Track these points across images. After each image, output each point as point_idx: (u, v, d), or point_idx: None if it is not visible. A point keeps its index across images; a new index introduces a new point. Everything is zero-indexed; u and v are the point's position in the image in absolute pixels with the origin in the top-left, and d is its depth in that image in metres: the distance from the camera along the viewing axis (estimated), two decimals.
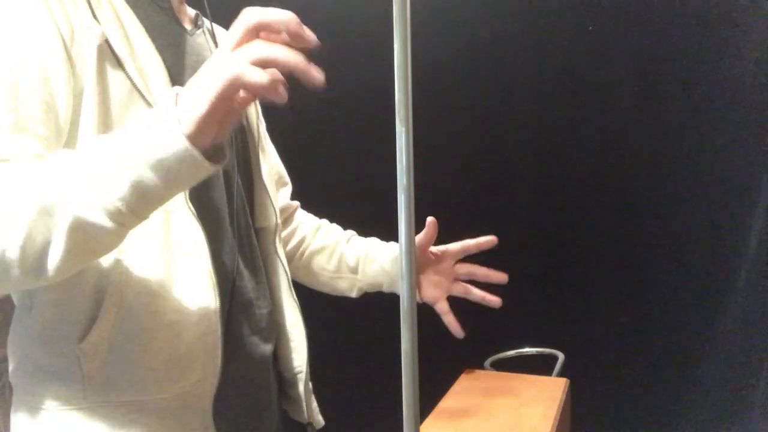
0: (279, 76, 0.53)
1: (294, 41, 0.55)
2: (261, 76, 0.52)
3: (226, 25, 0.97)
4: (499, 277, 0.97)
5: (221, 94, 0.53)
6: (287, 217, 1.06)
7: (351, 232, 1.08)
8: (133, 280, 0.68)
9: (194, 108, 0.53)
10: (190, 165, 0.55)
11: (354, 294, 1.04)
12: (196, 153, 0.54)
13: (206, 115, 0.53)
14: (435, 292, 1.00)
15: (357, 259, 1.02)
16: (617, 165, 1.67)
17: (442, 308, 0.99)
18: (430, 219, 0.95)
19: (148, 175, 0.54)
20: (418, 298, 0.99)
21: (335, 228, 1.09)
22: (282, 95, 0.54)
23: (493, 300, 0.97)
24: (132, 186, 0.54)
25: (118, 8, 0.72)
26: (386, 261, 1.00)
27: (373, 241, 1.05)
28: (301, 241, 1.06)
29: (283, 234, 1.04)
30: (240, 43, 0.55)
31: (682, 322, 1.66)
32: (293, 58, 0.53)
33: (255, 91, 0.54)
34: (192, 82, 0.56)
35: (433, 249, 0.99)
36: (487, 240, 0.97)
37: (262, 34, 0.55)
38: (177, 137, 0.53)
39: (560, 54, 1.65)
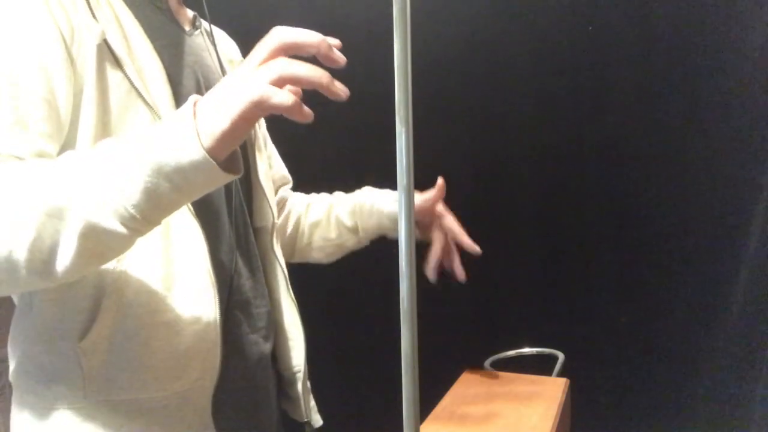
0: (298, 97, 0.53)
1: (324, 62, 0.56)
2: (286, 98, 0.52)
3: (224, 26, 0.97)
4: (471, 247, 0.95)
5: (244, 114, 0.53)
6: (281, 206, 1.07)
7: (338, 193, 1.08)
8: (132, 279, 0.68)
9: (216, 124, 0.54)
10: (207, 175, 0.55)
11: (362, 245, 1.04)
12: (215, 164, 0.54)
13: (228, 132, 0.54)
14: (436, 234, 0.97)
15: (354, 219, 1.02)
16: (617, 165, 1.67)
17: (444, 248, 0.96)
18: (440, 181, 0.95)
19: (164, 184, 0.54)
20: (419, 236, 0.98)
21: (323, 196, 1.09)
22: (307, 115, 0.54)
23: (460, 274, 0.95)
24: (147, 193, 0.54)
25: (117, 8, 0.72)
26: (385, 208, 0.99)
27: (363, 194, 1.04)
28: (297, 222, 1.07)
29: (278, 220, 1.05)
30: (266, 62, 0.55)
31: (682, 322, 1.66)
32: (317, 75, 0.54)
33: (279, 112, 0.54)
34: (214, 95, 0.56)
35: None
36: (473, 247, 0.95)
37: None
38: (196, 148, 0.53)
39: (560, 54, 1.65)
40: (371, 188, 1.05)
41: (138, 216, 0.55)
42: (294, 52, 0.55)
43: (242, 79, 0.54)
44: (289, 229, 1.06)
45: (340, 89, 0.55)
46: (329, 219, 1.04)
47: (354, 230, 1.02)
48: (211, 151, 0.54)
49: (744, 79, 1.51)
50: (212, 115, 0.54)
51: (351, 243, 1.04)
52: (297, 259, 1.04)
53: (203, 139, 0.54)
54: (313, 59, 0.55)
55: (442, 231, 0.97)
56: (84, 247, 0.55)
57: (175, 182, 0.55)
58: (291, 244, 1.05)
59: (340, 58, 0.56)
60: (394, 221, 0.97)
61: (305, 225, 1.06)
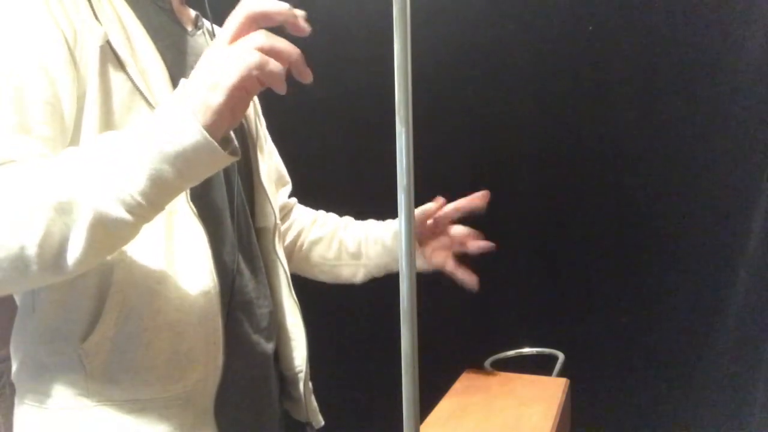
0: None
1: (290, 30, 0.58)
2: (278, 67, 0.55)
3: None
4: (486, 245, 0.97)
5: (239, 83, 0.54)
6: (285, 214, 1.07)
7: (347, 218, 1.08)
8: (135, 279, 0.68)
9: (211, 97, 0.55)
10: (207, 155, 0.56)
11: (358, 279, 1.04)
12: (214, 143, 0.55)
13: (224, 103, 0.55)
14: (439, 255, 0.99)
15: (357, 244, 1.02)
16: (617, 165, 1.67)
17: (451, 267, 0.97)
18: (439, 198, 0.96)
19: (166, 168, 0.55)
20: (426, 266, 0.99)
21: (331, 216, 1.09)
22: (284, 86, 0.57)
23: (471, 282, 0.95)
24: (150, 179, 0.55)
25: (119, 9, 0.72)
26: (387, 238, 1.00)
27: (371, 223, 1.05)
28: (299, 234, 1.06)
29: (281, 229, 1.05)
30: (238, 34, 0.56)
31: (682, 322, 1.66)
32: (294, 50, 0.56)
33: (269, 81, 0.56)
34: (199, 73, 0.57)
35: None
36: (478, 195, 0.96)
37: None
38: (193, 127, 0.54)
39: (560, 54, 1.65)
40: (376, 221, 1.05)
41: (144, 202, 0.56)
42: (263, 21, 0.57)
43: (226, 52, 0.56)
44: (288, 240, 1.06)
45: (308, 72, 0.58)
46: (332, 239, 1.05)
47: (355, 256, 1.02)
48: (210, 128, 0.55)
49: (744, 79, 1.51)
50: (205, 92, 0.55)
51: (347, 271, 1.04)
52: (290, 269, 1.05)
53: (200, 115, 0.55)
54: (279, 30, 0.58)
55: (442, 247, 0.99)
56: (93, 238, 0.56)
57: (177, 166, 0.55)
58: (288, 254, 1.05)
59: (306, 27, 0.58)
60: (396, 243, 0.98)
61: (306, 239, 1.06)
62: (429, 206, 0.97)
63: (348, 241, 1.03)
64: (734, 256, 1.57)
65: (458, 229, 0.99)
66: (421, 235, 0.99)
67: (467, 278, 0.95)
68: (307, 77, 0.58)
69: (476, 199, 0.96)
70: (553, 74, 1.67)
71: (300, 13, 0.58)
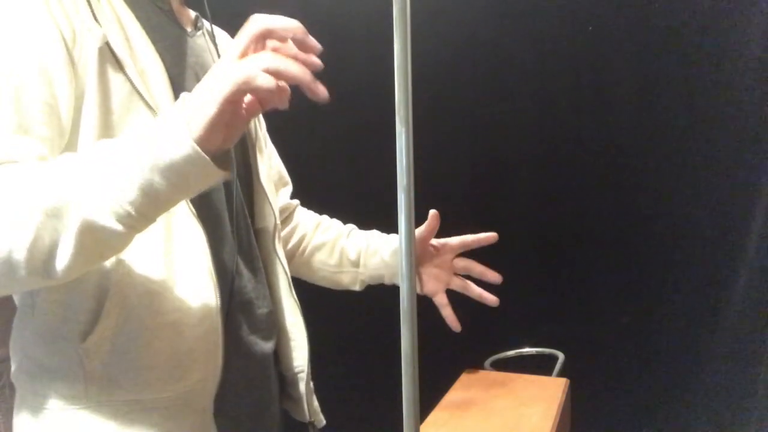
0: (285, 84, 0.55)
1: (299, 48, 0.57)
2: (269, 82, 0.53)
3: (226, 26, 0.97)
4: (494, 276, 0.98)
5: (229, 97, 0.54)
6: (287, 216, 1.07)
7: (351, 226, 1.09)
8: (135, 280, 0.68)
9: (202, 111, 0.54)
10: (198, 169, 0.55)
11: (357, 287, 1.05)
12: (205, 157, 0.55)
13: (214, 118, 0.54)
14: (434, 284, 1.00)
15: (358, 252, 1.03)
16: (617, 165, 1.67)
17: (441, 301, 1.00)
18: (432, 211, 0.96)
19: (158, 179, 0.55)
20: (417, 290, 1.00)
21: (335, 223, 1.09)
22: (285, 103, 0.56)
23: (491, 299, 0.97)
24: (141, 190, 0.55)
25: (118, 9, 0.72)
26: (387, 253, 1.00)
27: (374, 234, 1.06)
28: (302, 239, 1.06)
29: (283, 232, 1.05)
30: (246, 50, 0.56)
31: (682, 322, 1.66)
32: (300, 71, 0.55)
33: (262, 96, 0.56)
34: (199, 87, 0.56)
35: (434, 242, 1.00)
36: (486, 236, 0.97)
37: (269, 42, 0.56)
38: (185, 141, 0.54)
39: (560, 54, 1.65)
40: (380, 233, 1.06)
41: (134, 213, 0.56)
42: (271, 38, 0.56)
43: (225, 68, 0.55)
44: (290, 244, 1.06)
45: (321, 90, 0.56)
46: (334, 246, 1.05)
47: (355, 264, 1.03)
48: (201, 140, 0.55)
49: (743, 79, 1.51)
50: (199, 106, 0.55)
51: (347, 278, 1.05)
52: (290, 273, 1.05)
53: (192, 130, 0.54)
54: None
55: (442, 279, 1.00)
56: (83, 245, 0.56)
57: (168, 177, 0.55)
58: (290, 258, 1.05)
59: (315, 44, 0.57)
60: (394, 260, 0.99)
61: (308, 244, 1.07)
62: (427, 226, 0.97)
63: (349, 249, 1.04)
64: (734, 257, 1.57)
65: (461, 264, 1.00)
66: (421, 258, 1.00)
67: (451, 319, 0.98)
68: (318, 95, 0.56)
69: (484, 239, 0.98)
70: (553, 74, 1.67)
71: (314, 43, 0.57)
